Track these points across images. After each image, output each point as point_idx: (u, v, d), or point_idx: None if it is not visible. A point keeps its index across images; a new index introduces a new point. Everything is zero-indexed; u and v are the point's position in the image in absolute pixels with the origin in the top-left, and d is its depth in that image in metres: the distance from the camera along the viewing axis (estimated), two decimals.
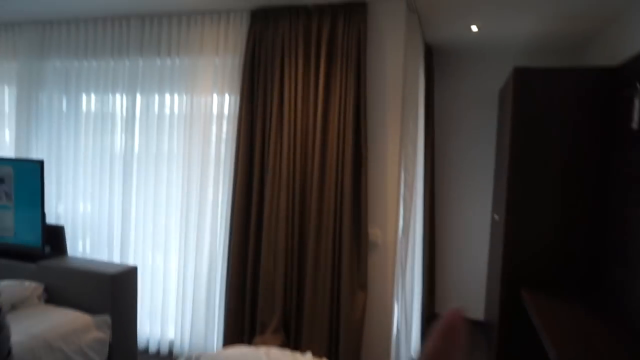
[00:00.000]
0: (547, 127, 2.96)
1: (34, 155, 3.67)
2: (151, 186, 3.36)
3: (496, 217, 3.61)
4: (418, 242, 3.64)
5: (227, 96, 3.15)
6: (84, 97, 3.54)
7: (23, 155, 3.68)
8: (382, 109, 2.86)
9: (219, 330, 3.20)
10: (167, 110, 3.33)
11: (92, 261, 2.81)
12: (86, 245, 3.58)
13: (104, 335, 2.49)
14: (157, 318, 3.39)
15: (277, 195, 2.92)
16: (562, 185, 2.94)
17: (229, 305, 3.03)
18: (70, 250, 3.35)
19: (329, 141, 2.83)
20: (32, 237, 2.74)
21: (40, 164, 2.67)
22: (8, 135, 3.85)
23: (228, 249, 3.07)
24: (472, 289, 4.28)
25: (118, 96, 3.44)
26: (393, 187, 2.85)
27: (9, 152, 3.82)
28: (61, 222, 3.56)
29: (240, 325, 3.04)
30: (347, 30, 2.79)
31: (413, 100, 3.12)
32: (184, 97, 3.27)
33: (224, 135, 3.16)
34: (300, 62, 2.87)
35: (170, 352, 3.39)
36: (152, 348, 3.40)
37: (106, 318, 2.51)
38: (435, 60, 4.18)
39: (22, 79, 3.68)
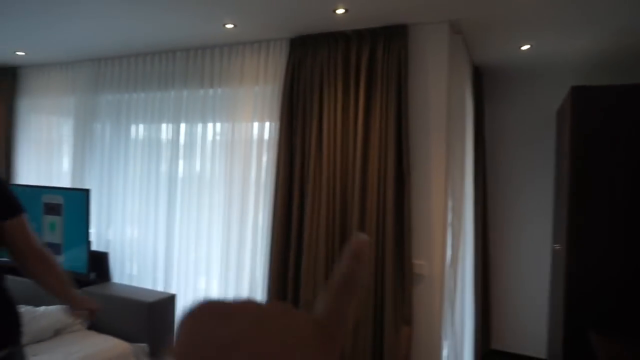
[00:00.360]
0: (610, 149, 2.70)
1: (88, 182, 3.85)
2: (194, 211, 3.41)
3: (557, 246, 3.31)
4: (469, 273, 3.41)
5: (267, 123, 3.16)
6: (133, 126, 3.69)
7: (78, 182, 3.86)
8: (426, 134, 2.73)
9: None
10: (209, 137, 3.39)
11: (133, 288, 2.84)
12: (133, 270, 3.66)
13: None
14: None
15: (316, 221, 2.85)
16: (630, 210, 2.65)
17: None
18: (118, 275, 3.43)
19: (370, 168, 2.74)
20: (78, 263, 2.82)
21: (86, 192, 2.77)
22: (66, 164, 4.07)
23: (268, 275, 3.01)
24: (532, 324, 3.93)
25: (164, 125, 3.55)
26: (439, 214, 2.69)
27: (66, 180, 4.03)
28: (111, 248, 3.66)
29: None
30: (387, 54, 2.72)
31: (460, 124, 2.97)
32: (226, 124, 3.32)
33: (264, 161, 3.17)
34: (340, 88, 2.82)
35: None
36: None
37: (144, 346, 2.50)
38: (484, 81, 4.00)
39: (78, 112, 3.91)
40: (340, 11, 2.62)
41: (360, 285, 0.26)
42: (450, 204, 2.80)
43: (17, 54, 3.90)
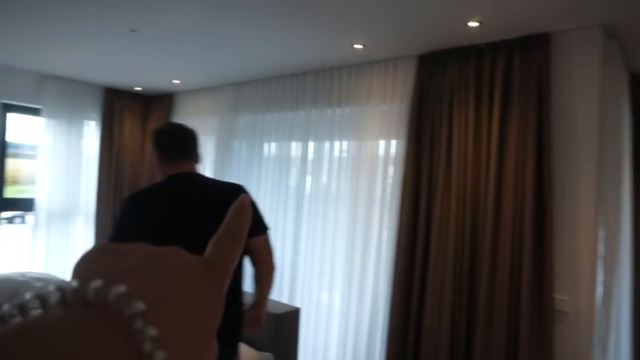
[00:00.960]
0: None
1: None
2: (320, 225, 3.52)
3: None
4: (625, 312, 2.92)
5: (393, 141, 3.14)
6: (266, 144, 3.96)
7: None
8: (572, 153, 2.43)
9: None
10: (336, 155, 3.50)
11: None
12: None
13: None
14: (318, 358, 3.43)
15: (443, 244, 2.71)
16: None
17: (390, 357, 2.88)
18: (246, 284, 3.67)
19: (505, 190, 2.53)
20: None
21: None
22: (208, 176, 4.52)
23: (391, 294, 2.95)
24: None
25: (293, 143, 3.76)
26: (588, 246, 2.36)
27: None
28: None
29: None
30: (526, 66, 2.51)
31: (614, 142, 2.59)
32: (352, 142, 3.39)
33: (389, 178, 3.15)
34: (471, 105, 2.67)
35: None
36: None
37: (270, 356, 2.62)
38: None
39: (220, 131, 4.34)
40: (473, 24, 2.49)
41: (244, 236, 0.28)
42: (602, 234, 2.44)
43: (174, 82, 4.48)
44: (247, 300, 1.91)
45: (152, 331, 0.20)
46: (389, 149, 3.17)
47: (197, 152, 1.95)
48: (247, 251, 1.82)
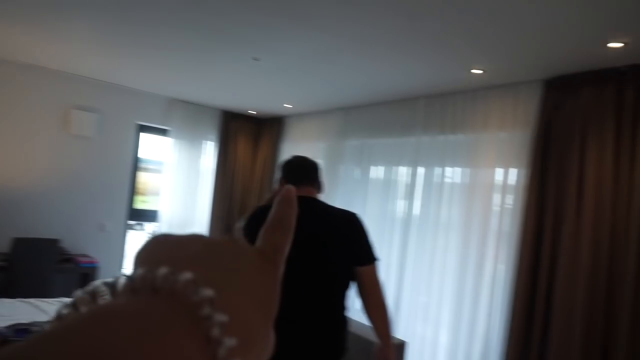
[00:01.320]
0: None
1: None
2: (427, 254, 3.40)
3: None
4: None
5: (512, 169, 2.96)
6: (373, 168, 3.96)
7: None
8: None
9: None
10: (447, 181, 3.37)
11: (367, 327, 2.93)
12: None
13: None
14: None
15: (572, 285, 2.44)
16: None
17: None
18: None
19: None
20: None
21: None
22: None
23: (508, 336, 2.72)
24: None
25: (401, 168, 3.71)
26: None
27: None
28: None
29: None
30: None
31: None
32: (466, 169, 3.25)
33: (507, 208, 2.95)
34: (610, 132, 2.42)
35: None
36: None
37: None
38: None
39: (328, 155, 4.43)
40: (615, 44, 2.26)
41: (292, 225, 0.29)
42: None
43: (285, 106, 4.70)
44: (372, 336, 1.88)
45: (221, 317, 0.20)
46: (506, 177, 2.98)
47: (319, 180, 2.03)
48: (354, 278, 1.79)
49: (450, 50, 2.61)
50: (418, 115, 3.59)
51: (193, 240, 0.26)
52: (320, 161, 4.57)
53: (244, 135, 5.38)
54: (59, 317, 0.21)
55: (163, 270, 0.21)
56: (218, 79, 3.92)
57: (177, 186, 4.98)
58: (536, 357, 2.54)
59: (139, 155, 4.85)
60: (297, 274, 1.68)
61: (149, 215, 5.05)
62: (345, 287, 1.77)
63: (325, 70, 3.30)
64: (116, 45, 3.28)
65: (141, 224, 5.76)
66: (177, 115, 4.92)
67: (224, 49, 3.09)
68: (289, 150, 5.09)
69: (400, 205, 3.66)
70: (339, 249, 1.78)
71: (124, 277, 0.22)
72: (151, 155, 5.12)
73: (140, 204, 5.06)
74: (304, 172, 2.04)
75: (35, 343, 0.17)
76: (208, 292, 0.20)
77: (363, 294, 1.79)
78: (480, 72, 2.87)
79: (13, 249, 3.69)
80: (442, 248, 3.30)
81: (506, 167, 2.98)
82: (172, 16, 2.64)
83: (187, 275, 0.21)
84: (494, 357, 2.85)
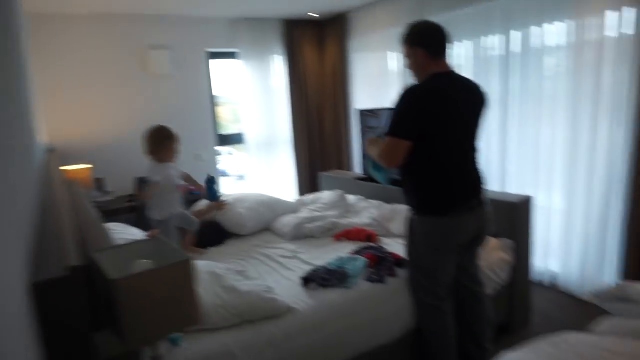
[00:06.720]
0: None
1: None
2: (531, 126, 3.40)
3: None
4: None
5: (625, 10, 2.67)
6: (456, 44, 3.71)
7: None
8: None
9: (612, 266, 3.04)
10: (547, 44, 3.18)
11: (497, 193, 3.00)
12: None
13: (509, 257, 2.74)
14: (539, 251, 3.46)
15: None
16: None
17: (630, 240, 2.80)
18: None
19: None
20: None
21: None
22: (393, 91, 4.60)
23: (627, 203, 2.80)
24: None
25: (491, 37, 3.51)
26: None
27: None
28: None
29: None
30: None
31: None
32: (568, 22, 3.01)
33: (622, 64, 2.74)
34: None
35: (552, 284, 3.43)
36: (534, 278, 3.52)
37: (510, 242, 2.74)
38: None
39: None
40: None
41: None
42: None
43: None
44: None
45: None
46: (620, 23, 2.71)
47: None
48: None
49: None
50: None
51: None
52: (397, 49, 4.46)
53: (308, 42, 5.29)
54: None
55: None
56: None
57: (255, 106, 5.12)
58: None
59: (212, 82, 4.96)
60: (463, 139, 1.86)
61: (235, 139, 5.30)
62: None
63: None
64: None
65: (230, 149, 6.07)
66: (242, 35, 4.91)
67: None
68: (357, 48, 5.00)
69: (495, 81, 3.52)
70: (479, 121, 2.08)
71: None
72: (224, 82, 5.21)
73: (225, 130, 5.28)
74: (445, 42, 1.92)
75: None
76: None
77: None
78: None
79: (138, 188, 4.07)
80: (548, 118, 3.27)
81: (618, 7, 2.70)
82: None
83: None
84: (615, 221, 2.97)
